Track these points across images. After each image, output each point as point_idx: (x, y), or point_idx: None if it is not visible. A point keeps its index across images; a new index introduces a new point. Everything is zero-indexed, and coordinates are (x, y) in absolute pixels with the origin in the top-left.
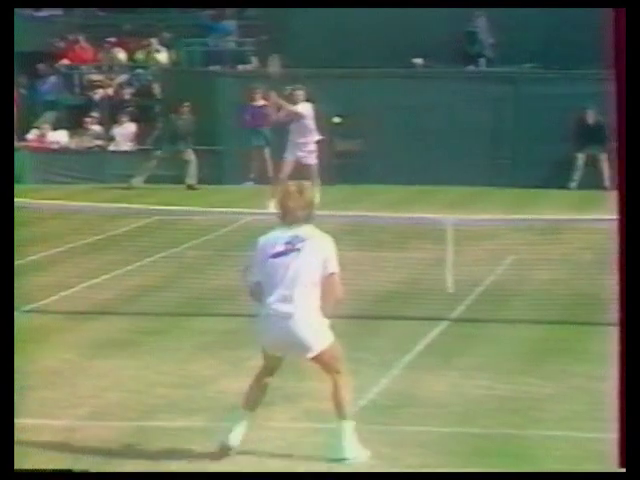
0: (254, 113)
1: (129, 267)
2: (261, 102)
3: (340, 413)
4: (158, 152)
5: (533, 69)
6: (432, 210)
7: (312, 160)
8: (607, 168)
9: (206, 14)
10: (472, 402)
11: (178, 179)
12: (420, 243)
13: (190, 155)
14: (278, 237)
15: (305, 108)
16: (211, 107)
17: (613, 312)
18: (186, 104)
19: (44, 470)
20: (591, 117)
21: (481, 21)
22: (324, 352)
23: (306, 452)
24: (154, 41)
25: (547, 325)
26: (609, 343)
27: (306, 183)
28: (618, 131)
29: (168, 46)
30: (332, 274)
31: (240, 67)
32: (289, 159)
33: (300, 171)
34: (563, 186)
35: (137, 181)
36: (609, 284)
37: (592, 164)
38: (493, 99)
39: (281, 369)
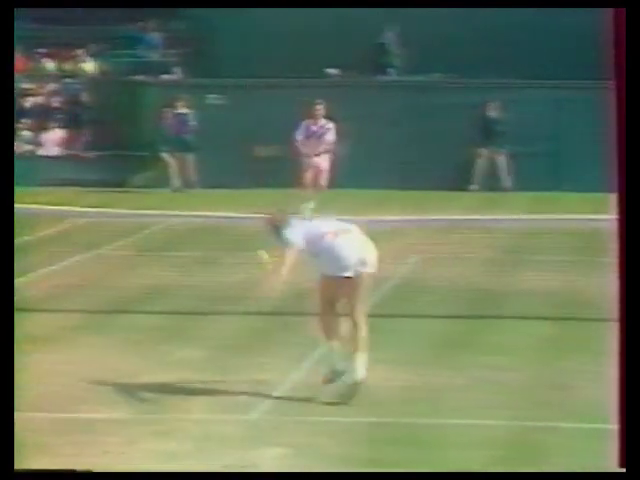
0: (177, 120)
1: (56, 266)
2: (183, 110)
3: (355, 347)
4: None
5: (441, 78)
6: (344, 212)
7: (326, 165)
8: (505, 169)
9: (132, 27)
10: (381, 393)
11: (114, 182)
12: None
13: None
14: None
15: (329, 126)
16: (136, 115)
17: (511, 305)
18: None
19: (44, 470)
20: (493, 112)
21: (391, 34)
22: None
23: (222, 442)
24: (82, 52)
25: (450, 319)
26: (508, 335)
27: None
28: (618, 131)
29: (95, 57)
30: None
31: (164, 77)
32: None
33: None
34: (464, 188)
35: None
36: (507, 280)
37: (491, 165)
38: (402, 107)
39: (199, 365)
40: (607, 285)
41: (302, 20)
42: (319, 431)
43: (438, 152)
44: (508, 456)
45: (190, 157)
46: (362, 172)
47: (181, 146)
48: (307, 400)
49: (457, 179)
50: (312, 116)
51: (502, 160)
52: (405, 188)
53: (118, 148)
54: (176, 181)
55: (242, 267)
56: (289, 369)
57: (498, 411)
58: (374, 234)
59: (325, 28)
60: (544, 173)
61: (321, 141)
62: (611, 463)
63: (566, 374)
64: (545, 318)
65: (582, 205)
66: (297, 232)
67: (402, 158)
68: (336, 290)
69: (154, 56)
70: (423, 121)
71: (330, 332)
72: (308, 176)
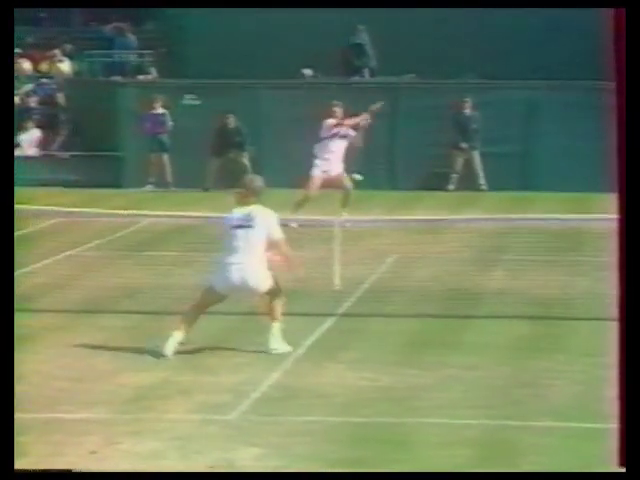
0: (153, 121)
1: (31, 267)
2: (160, 110)
3: (271, 317)
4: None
5: (413, 80)
6: (321, 212)
7: (340, 169)
8: (480, 168)
9: (108, 28)
10: (356, 393)
11: (89, 183)
12: (309, 243)
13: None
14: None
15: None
16: (112, 115)
17: (485, 305)
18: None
19: (44, 470)
20: (467, 110)
21: (365, 34)
22: (267, 292)
23: (200, 442)
24: (57, 52)
25: (425, 319)
26: (482, 334)
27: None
28: (618, 131)
29: (71, 57)
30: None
31: (140, 77)
32: (317, 175)
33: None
34: (441, 188)
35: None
36: (481, 280)
37: (467, 164)
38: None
39: (175, 366)
40: (579, 284)
41: (278, 21)
42: (296, 431)
43: (413, 152)
44: (482, 455)
45: (166, 157)
46: None
47: (157, 146)
48: (285, 400)
49: (433, 179)
50: (332, 116)
51: (477, 159)
52: (382, 189)
53: (94, 148)
54: (153, 181)
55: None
56: (267, 369)
57: (472, 410)
58: (352, 234)
59: (300, 29)
60: (517, 173)
61: (343, 142)
62: (584, 461)
63: (539, 373)
64: (518, 317)
65: (554, 205)
66: None
67: (378, 159)
68: None
69: (130, 57)
70: (398, 122)
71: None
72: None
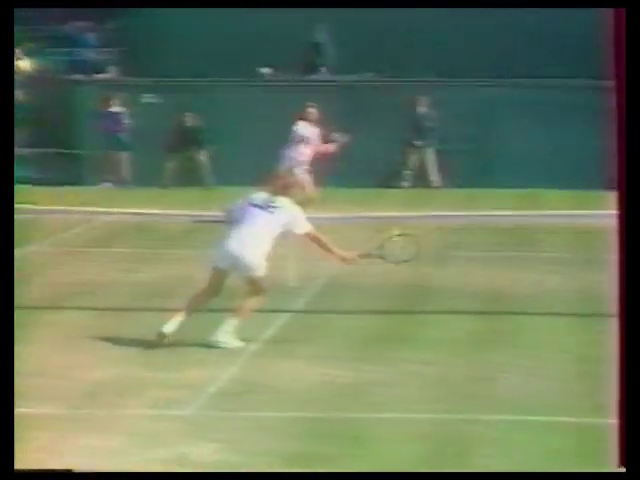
0: (111, 119)
1: None
2: (117, 108)
3: (238, 310)
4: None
5: (372, 78)
6: None
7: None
8: (434, 165)
9: (70, 26)
10: (312, 388)
11: (48, 180)
12: None
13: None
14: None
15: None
16: (72, 113)
17: (439, 301)
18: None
19: (44, 470)
20: (423, 108)
21: (324, 33)
22: (259, 279)
23: (156, 438)
24: (18, 50)
25: (381, 315)
26: (436, 330)
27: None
28: (618, 130)
29: (31, 55)
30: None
31: (99, 76)
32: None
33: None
34: (396, 185)
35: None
36: (435, 276)
37: (421, 161)
38: (335, 106)
39: (132, 361)
40: (531, 279)
41: (237, 20)
42: (254, 426)
43: (370, 150)
44: (436, 449)
45: (124, 155)
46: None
47: (115, 144)
48: (242, 396)
49: (389, 176)
50: (305, 118)
51: (431, 156)
52: (338, 186)
53: (53, 146)
54: (110, 178)
55: (175, 264)
56: (224, 365)
57: (427, 405)
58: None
59: (260, 28)
60: (471, 170)
61: (310, 145)
62: (536, 453)
63: (492, 367)
64: (471, 313)
65: (507, 201)
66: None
67: (335, 156)
68: None
69: (90, 55)
70: (355, 119)
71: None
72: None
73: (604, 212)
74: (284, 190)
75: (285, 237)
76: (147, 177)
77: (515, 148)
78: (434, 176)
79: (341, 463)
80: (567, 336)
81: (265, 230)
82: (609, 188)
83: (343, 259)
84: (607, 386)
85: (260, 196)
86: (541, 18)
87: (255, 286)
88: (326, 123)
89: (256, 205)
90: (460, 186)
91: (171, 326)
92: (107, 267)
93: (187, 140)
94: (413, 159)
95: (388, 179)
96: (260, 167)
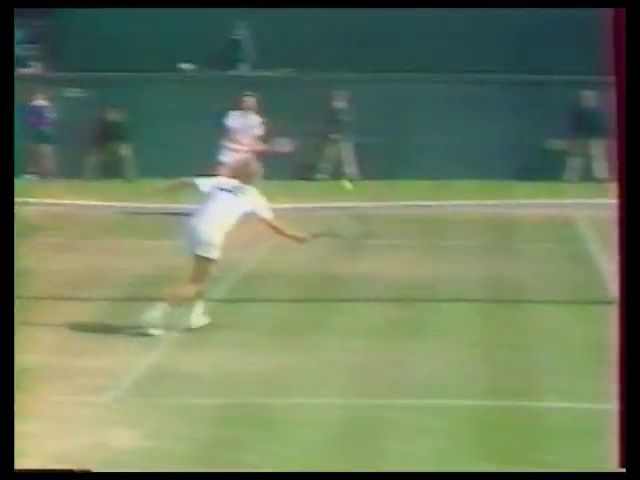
0: (34, 112)
1: None
2: (41, 102)
3: (171, 293)
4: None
5: (290, 73)
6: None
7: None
8: (351, 157)
9: None
10: (230, 375)
11: None
12: None
13: None
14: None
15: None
16: None
17: (354, 289)
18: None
19: (44, 470)
20: (339, 102)
21: (244, 30)
22: (206, 261)
23: (76, 424)
24: None
25: (297, 303)
26: (351, 318)
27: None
28: (618, 128)
29: None
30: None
31: (24, 70)
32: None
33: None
34: (312, 177)
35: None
36: (351, 265)
37: (337, 154)
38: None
39: (56, 349)
40: (443, 267)
41: (159, 17)
42: (173, 413)
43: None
44: (348, 433)
45: (48, 148)
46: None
47: (38, 137)
48: (161, 383)
49: (305, 168)
50: (241, 108)
51: (347, 149)
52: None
53: None
54: (33, 171)
55: (96, 255)
56: (143, 353)
57: (340, 390)
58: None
59: (180, 25)
60: (386, 162)
61: (249, 134)
62: (446, 438)
63: (405, 353)
64: (385, 300)
65: (421, 192)
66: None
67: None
68: None
69: (15, 51)
70: (273, 114)
71: None
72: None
73: (513, 202)
74: (248, 178)
75: (245, 222)
76: (70, 170)
77: (429, 140)
78: (350, 168)
79: (255, 448)
80: (474, 322)
81: (230, 211)
82: (517, 178)
83: (298, 239)
84: (507, 370)
85: (230, 182)
86: (458, 16)
87: (198, 270)
88: (271, 121)
89: (225, 189)
90: (375, 178)
91: (197, 318)
92: (32, 256)
93: (110, 134)
94: (330, 152)
95: (305, 171)
96: (181, 160)
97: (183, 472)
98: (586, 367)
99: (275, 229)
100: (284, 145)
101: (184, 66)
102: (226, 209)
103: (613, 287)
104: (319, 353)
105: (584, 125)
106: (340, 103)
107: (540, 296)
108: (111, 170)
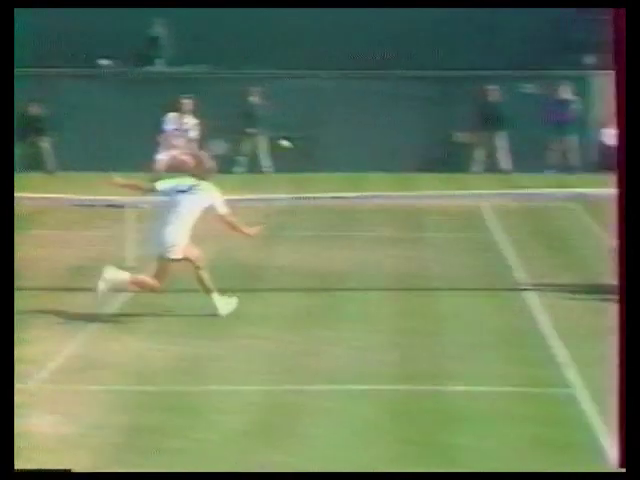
0: None
1: None
2: None
3: (205, 289)
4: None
5: (206, 70)
6: (118, 192)
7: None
8: (266, 151)
9: None
10: (149, 363)
11: None
12: (105, 222)
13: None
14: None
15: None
16: None
17: (268, 278)
18: None
19: (44, 470)
20: (255, 98)
21: (162, 27)
22: (167, 261)
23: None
24: None
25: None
26: (265, 306)
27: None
28: (618, 127)
29: None
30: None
31: None
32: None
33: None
34: (229, 171)
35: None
36: (265, 255)
37: (254, 148)
38: (172, 97)
39: None
40: (354, 257)
41: (78, 14)
42: (92, 400)
43: (204, 137)
44: (266, 419)
45: None
46: (132, 157)
47: None
48: (81, 371)
49: (222, 163)
50: (179, 110)
51: (263, 143)
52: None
53: None
54: None
55: (20, 247)
56: (64, 341)
57: (257, 377)
58: (147, 214)
59: (99, 22)
60: (301, 156)
61: (185, 136)
62: (359, 422)
63: (318, 340)
64: (299, 290)
65: (335, 184)
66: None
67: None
68: None
69: None
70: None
71: None
72: (165, 161)
73: (422, 193)
74: (205, 173)
75: (204, 217)
76: None
77: (342, 135)
78: (266, 162)
79: (177, 433)
80: (384, 309)
81: (187, 211)
82: (426, 170)
83: (249, 234)
84: (417, 356)
85: (186, 182)
86: (371, 15)
87: (161, 269)
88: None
89: (180, 191)
90: (291, 171)
91: (225, 305)
92: None
93: (31, 127)
94: (246, 146)
95: (223, 165)
96: (100, 153)
97: (183, 472)
98: (492, 352)
99: (229, 224)
100: (218, 147)
101: (103, 62)
102: (186, 209)
103: (518, 275)
104: (236, 341)
105: (489, 118)
106: (256, 99)
107: (448, 284)
108: (32, 163)
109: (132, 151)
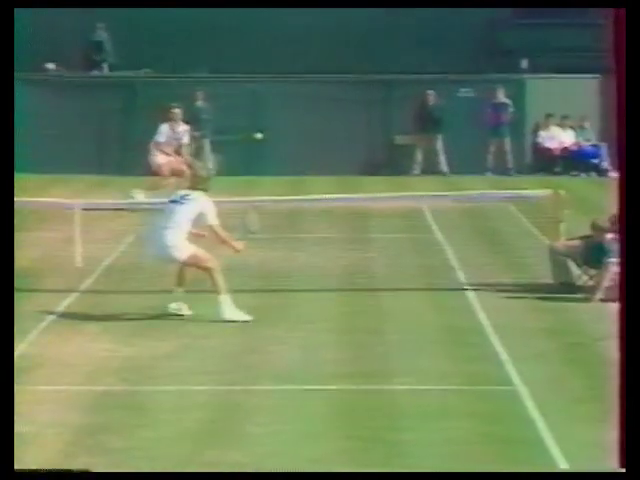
0: None
1: None
2: None
3: (217, 290)
4: None
5: (149, 74)
6: (64, 195)
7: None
8: (209, 153)
9: None
10: (98, 363)
11: None
12: (52, 224)
13: None
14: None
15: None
16: None
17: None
18: None
19: (44, 470)
20: (199, 101)
21: (104, 32)
22: (187, 260)
23: None
24: None
25: (162, 294)
26: (214, 307)
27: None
28: (618, 128)
29: None
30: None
31: None
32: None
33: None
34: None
35: None
36: (215, 255)
37: (196, 151)
38: (115, 101)
39: None
40: (297, 258)
41: (24, 18)
42: (42, 399)
43: (148, 141)
44: (213, 417)
45: None
46: (84, 161)
47: None
48: (31, 370)
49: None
50: (171, 120)
51: (207, 147)
52: (120, 174)
53: None
54: None
55: None
56: (15, 341)
57: (204, 376)
58: (94, 216)
59: (45, 26)
60: (245, 159)
61: (179, 144)
62: (304, 419)
63: (264, 340)
64: (245, 291)
65: (279, 187)
66: None
67: (112, 147)
68: None
69: None
70: (133, 114)
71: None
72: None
73: (366, 195)
74: (201, 184)
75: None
76: None
77: (286, 138)
78: (210, 164)
79: (126, 432)
80: (332, 309)
81: (178, 218)
82: (369, 173)
83: (237, 249)
84: (364, 354)
85: (179, 193)
86: (312, 17)
87: (197, 266)
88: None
89: (172, 201)
90: (235, 174)
91: (235, 311)
92: None
93: None
94: (193, 149)
95: None
96: (47, 156)
97: (183, 472)
98: (436, 350)
99: (217, 235)
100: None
101: (48, 65)
102: (179, 215)
103: (459, 274)
104: (184, 340)
105: (428, 122)
106: (200, 102)
107: (393, 284)
108: None
109: (76, 155)
